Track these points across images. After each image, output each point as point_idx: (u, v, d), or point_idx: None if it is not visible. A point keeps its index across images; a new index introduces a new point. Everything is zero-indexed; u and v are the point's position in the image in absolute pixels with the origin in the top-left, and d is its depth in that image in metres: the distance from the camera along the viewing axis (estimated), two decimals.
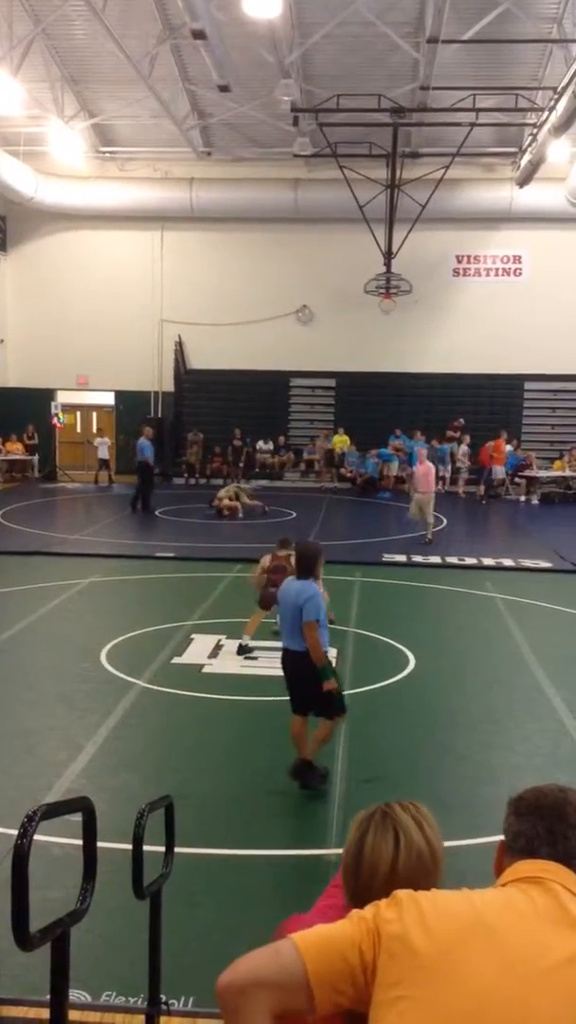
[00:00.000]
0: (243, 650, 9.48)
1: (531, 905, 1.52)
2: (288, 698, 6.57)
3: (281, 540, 9.83)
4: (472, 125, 20.37)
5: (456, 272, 25.90)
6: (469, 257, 25.81)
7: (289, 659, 6.42)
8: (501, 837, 1.76)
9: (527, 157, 21.65)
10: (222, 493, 20.11)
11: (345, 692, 8.13)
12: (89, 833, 2.74)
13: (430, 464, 17.18)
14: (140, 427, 21.52)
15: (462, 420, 24.78)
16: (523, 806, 1.71)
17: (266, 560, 9.51)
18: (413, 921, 1.49)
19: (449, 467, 24.43)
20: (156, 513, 19.74)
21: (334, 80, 20.39)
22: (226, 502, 19.53)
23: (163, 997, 3.71)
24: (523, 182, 22.51)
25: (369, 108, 20.16)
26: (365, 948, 1.49)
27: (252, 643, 9.70)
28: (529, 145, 21.56)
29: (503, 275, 25.79)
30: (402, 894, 1.56)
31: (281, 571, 9.25)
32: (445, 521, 19.52)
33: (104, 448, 25.56)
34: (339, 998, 1.49)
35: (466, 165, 23.05)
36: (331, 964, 1.48)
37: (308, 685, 6.30)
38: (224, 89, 18.60)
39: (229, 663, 9.26)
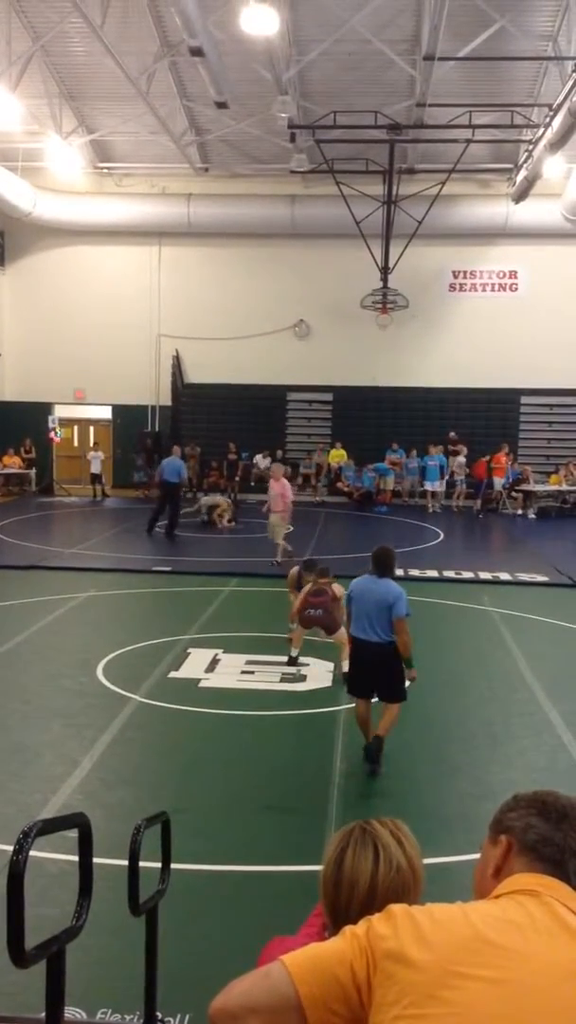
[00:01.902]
0: (293, 662, 9.57)
1: (528, 918, 1.48)
2: (352, 686, 7.18)
3: (313, 568, 9.85)
4: (468, 141, 20.49)
5: (452, 287, 26.01)
6: (465, 272, 25.91)
7: (372, 649, 6.90)
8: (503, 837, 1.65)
9: (523, 173, 21.78)
10: (206, 500, 20.59)
11: (342, 707, 8.15)
12: (85, 849, 2.74)
13: (285, 482, 15.97)
14: (176, 446, 21.11)
15: (453, 434, 24.91)
16: (552, 812, 1.62)
17: (306, 585, 9.59)
18: (409, 937, 1.45)
19: (444, 481, 24.44)
20: (155, 530, 19.71)
21: (331, 97, 20.53)
22: (223, 506, 20.05)
23: (159, 1014, 3.69)
24: (519, 198, 22.65)
25: (366, 125, 20.29)
26: (358, 966, 1.45)
27: (253, 656, 9.75)
28: (525, 161, 21.69)
29: (499, 290, 25.89)
30: (396, 908, 1.52)
31: (322, 594, 9.35)
32: (442, 535, 19.54)
33: (97, 462, 25.54)
34: (333, 1018, 1.45)
35: (462, 181, 23.18)
36: (323, 984, 1.45)
37: (388, 672, 6.93)
38: (222, 106, 18.71)
39: (226, 678, 9.24)
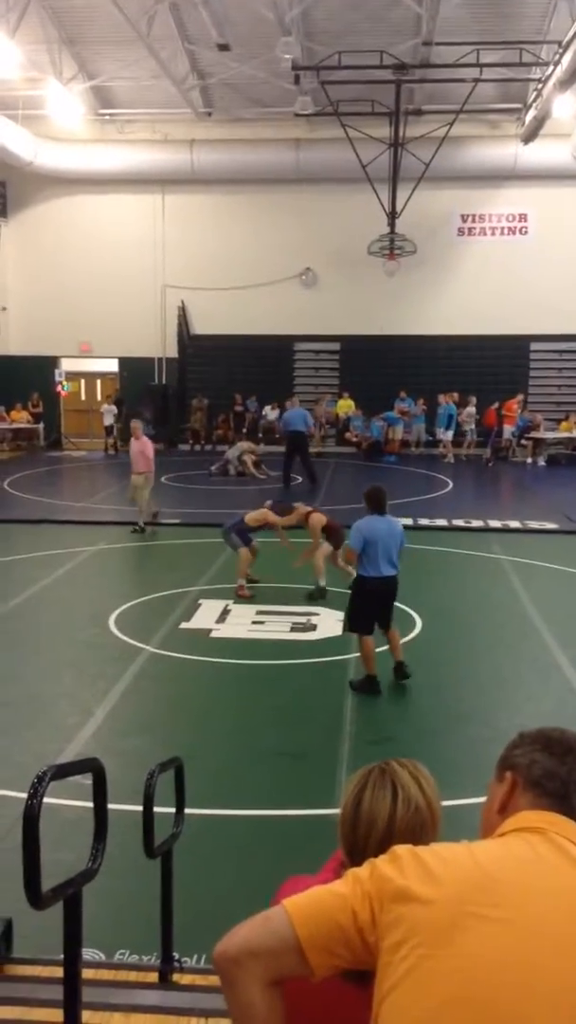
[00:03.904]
0: (322, 593, 10.17)
1: (534, 855, 1.48)
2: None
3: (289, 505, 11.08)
4: (476, 81, 20.02)
5: (461, 231, 25.62)
6: (474, 216, 25.50)
7: (389, 583, 7.55)
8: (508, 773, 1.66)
9: (532, 113, 21.32)
10: (231, 454, 20.65)
11: (352, 655, 8.22)
12: (99, 794, 2.77)
13: (147, 439, 14.64)
14: (295, 397, 21.75)
15: (456, 395, 24.51)
16: (556, 747, 1.63)
17: (320, 518, 10.51)
18: (416, 876, 1.46)
19: (452, 431, 24.16)
20: (162, 480, 19.69)
21: (335, 37, 20.05)
22: (250, 461, 20.24)
23: (176, 955, 3.77)
24: (528, 138, 22.17)
25: (371, 65, 19.82)
26: (359, 909, 1.46)
27: (263, 607, 9.84)
28: (534, 101, 21.21)
29: (509, 234, 25.49)
30: (401, 850, 1.52)
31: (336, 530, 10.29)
32: (451, 484, 19.50)
33: (110, 415, 25.46)
34: (336, 961, 1.47)
35: (470, 122, 22.70)
36: (322, 928, 1.46)
37: (393, 601, 7.67)
38: (224, 48, 18.34)
39: (237, 628, 9.30)
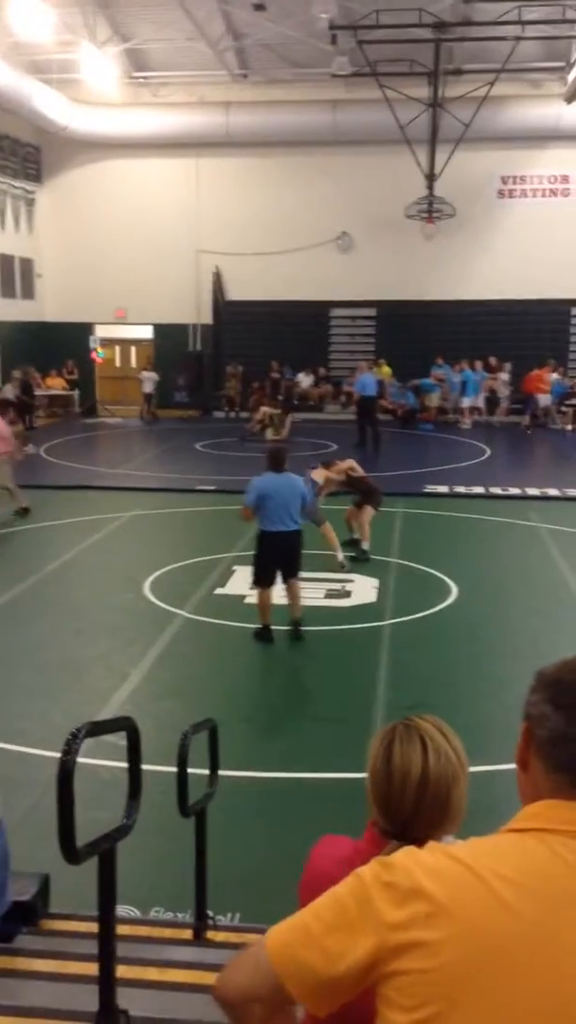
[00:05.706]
0: (365, 556, 10.41)
1: (566, 868, 1.22)
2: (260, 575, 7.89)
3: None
4: (517, 39, 19.51)
5: (501, 193, 25.12)
6: (515, 178, 24.98)
7: (289, 538, 7.75)
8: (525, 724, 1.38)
9: (575, 72, 20.81)
10: (258, 416, 21.62)
11: (387, 622, 8.20)
12: (133, 751, 2.79)
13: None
14: (364, 363, 22.15)
15: (494, 359, 24.27)
16: (565, 697, 1.32)
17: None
18: (421, 922, 1.22)
19: (481, 396, 23.92)
20: (198, 447, 19.74)
21: None
22: (257, 419, 21.40)
23: (210, 912, 3.81)
24: (571, 98, 21.66)
25: (410, 24, 19.40)
26: (344, 972, 1.25)
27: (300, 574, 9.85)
28: None
29: (550, 196, 24.96)
30: (399, 874, 1.26)
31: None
32: (488, 452, 19.31)
33: (150, 383, 25.41)
34: (333, 1003, 1.31)
35: (511, 81, 22.16)
36: (304, 980, 1.28)
37: (297, 554, 7.88)
38: (259, 8, 18.06)
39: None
